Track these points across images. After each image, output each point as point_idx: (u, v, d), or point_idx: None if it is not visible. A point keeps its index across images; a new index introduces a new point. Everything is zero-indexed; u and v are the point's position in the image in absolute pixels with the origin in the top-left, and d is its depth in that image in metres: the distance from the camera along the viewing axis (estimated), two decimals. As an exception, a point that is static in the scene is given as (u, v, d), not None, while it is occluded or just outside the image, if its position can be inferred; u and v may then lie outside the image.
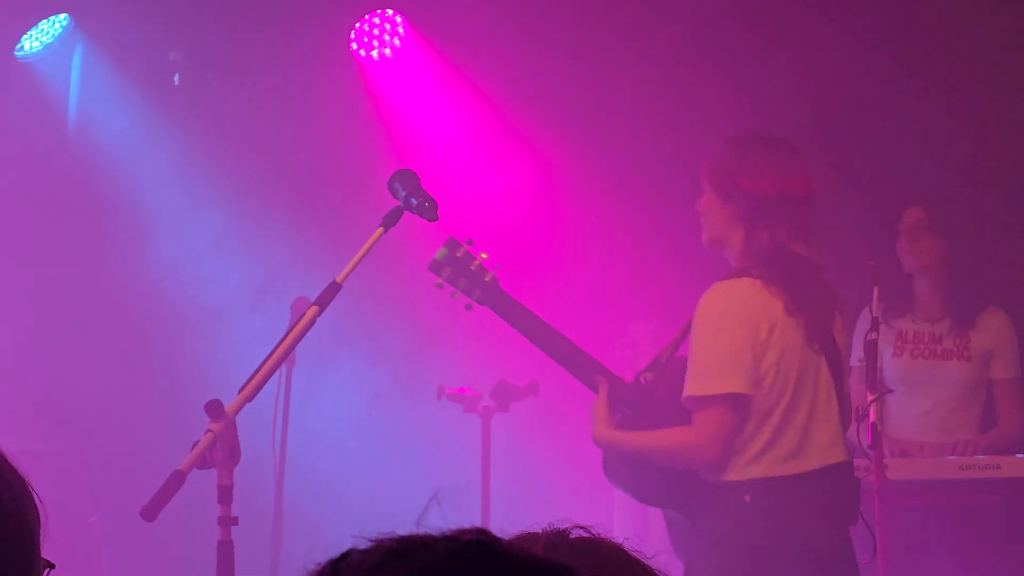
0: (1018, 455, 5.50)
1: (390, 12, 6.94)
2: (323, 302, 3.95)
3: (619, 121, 6.77)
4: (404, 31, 6.96)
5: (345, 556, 1.22)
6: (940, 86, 6.44)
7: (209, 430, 3.67)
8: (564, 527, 1.59)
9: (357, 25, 6.94)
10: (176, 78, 6.87)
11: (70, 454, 6.42)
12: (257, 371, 3.83)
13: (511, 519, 1.75)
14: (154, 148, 6.92)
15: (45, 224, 6.76)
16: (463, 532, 1.21)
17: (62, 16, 6.77)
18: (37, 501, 1.65)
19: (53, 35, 6.78)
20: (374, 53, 6.98)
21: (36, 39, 6.76)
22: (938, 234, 5.87)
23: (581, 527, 1.59)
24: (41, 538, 1.64)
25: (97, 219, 6.90)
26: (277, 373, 4.15)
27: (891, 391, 5.15)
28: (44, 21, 6.73)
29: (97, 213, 6.90)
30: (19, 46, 6.74)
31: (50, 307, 6.69)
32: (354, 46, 6.96)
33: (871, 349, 5.23)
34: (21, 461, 1.68)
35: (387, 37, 6.97)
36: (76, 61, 6.84)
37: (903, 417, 5.76)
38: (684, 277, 4.51)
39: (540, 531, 1.59)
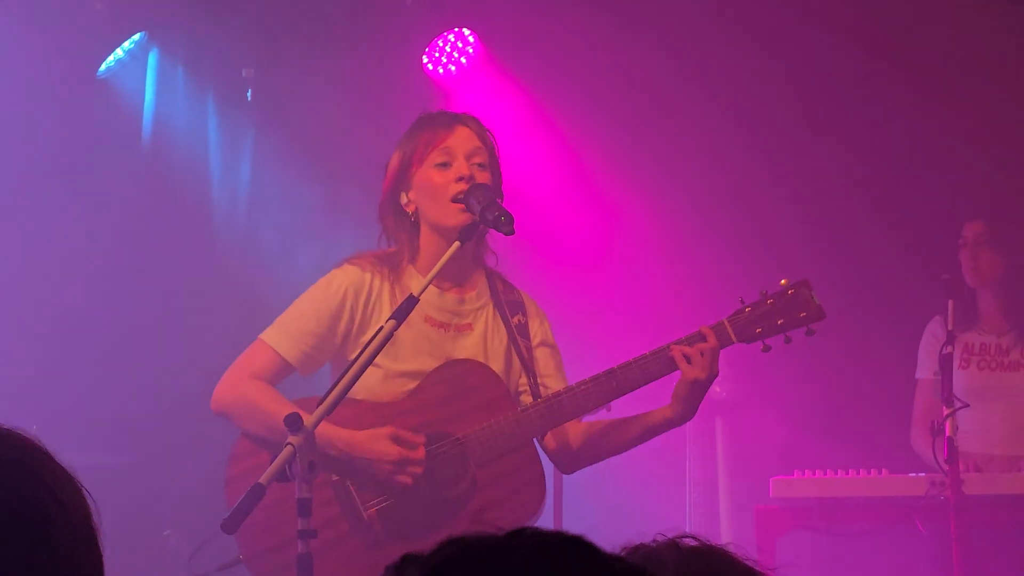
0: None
1: (467, 32, 6.99)
2: (400, 315, 3.97)
3: (686, 147, 6.79)
4: (474, 51, 7.00)
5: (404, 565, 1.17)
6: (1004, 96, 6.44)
7: (289, 443, 3.67)
8: (673, 537, 1.57)
9: (431, 41, 6.99)
10: (249, 94, 6.93)
11: (146, 468, 6.47)
12: (335, 384, 3.85)
13: (585, 525, 1.74)
14: (227, 163, 6.97)
15: (120, 240, 6.82)
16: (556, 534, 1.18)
17: (138, 35, 6.84)
18: (90, 501, 1.66)
19: (126, 50, 6.85)
20: (440, 70, 7.03)
21: (114, 57, 6.84)
22: (998, 248, 5.83)
23: (689, 536, 1.58)
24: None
25: (172, 235, 6.96)
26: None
27: (967, 405, 5.11)
28: (126, 42, 6.81)
29: (171, 229, 6.96)
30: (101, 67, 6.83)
31: (124, 320, 6.74)
32: (424, 59, 7.01)
33: (947, 362, 5.20)
34: (98, 475, 1.69)
35: (456, 55, 7.02)
36: (151, 76, 6.90)
37: (971, 430, 5.72)
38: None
39: (652, 543, 1.56)
